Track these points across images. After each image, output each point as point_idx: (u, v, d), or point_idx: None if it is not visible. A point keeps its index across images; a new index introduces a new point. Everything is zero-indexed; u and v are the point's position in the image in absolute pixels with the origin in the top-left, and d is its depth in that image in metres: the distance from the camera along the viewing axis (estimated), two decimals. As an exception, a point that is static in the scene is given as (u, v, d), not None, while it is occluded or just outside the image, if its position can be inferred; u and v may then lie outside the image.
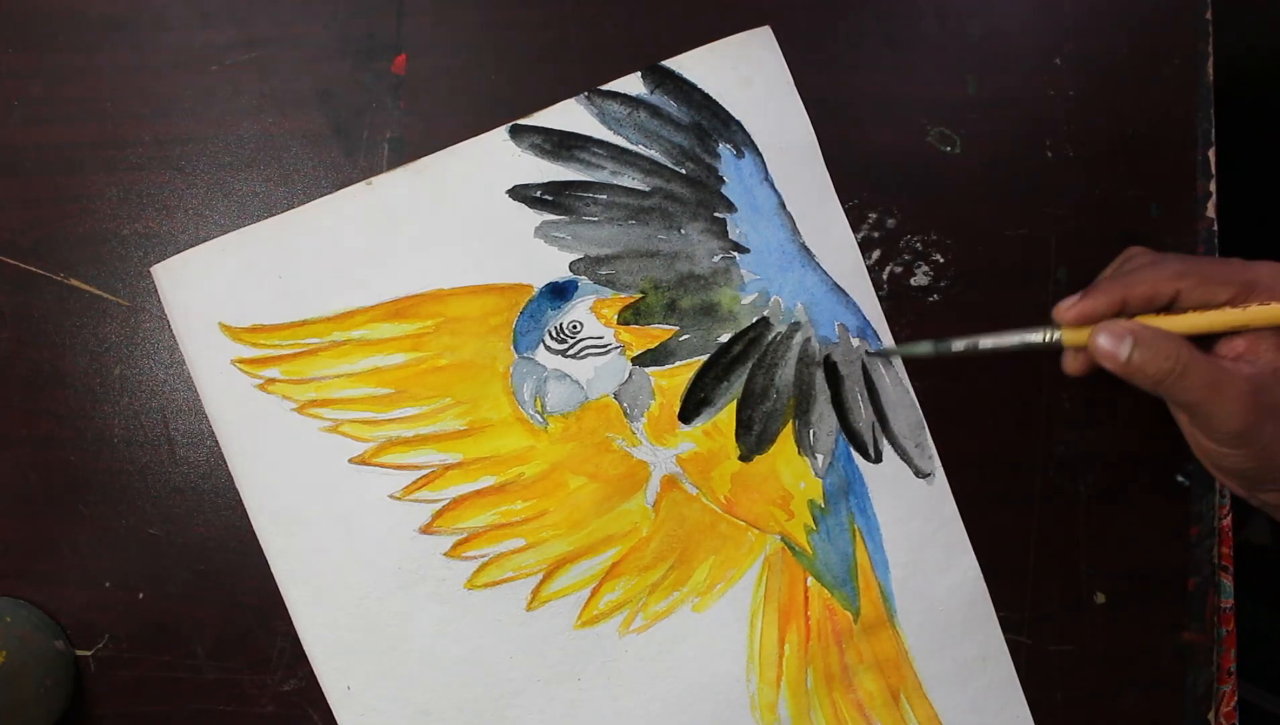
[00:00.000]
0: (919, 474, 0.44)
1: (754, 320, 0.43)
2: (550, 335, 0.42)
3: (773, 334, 0.43)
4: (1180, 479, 0.45)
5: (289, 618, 0.42)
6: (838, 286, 0.44)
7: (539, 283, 0.42)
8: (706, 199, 0.43)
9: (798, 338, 0.43)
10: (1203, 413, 0.36)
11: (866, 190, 0.44)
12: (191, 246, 0.42)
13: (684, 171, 0.43)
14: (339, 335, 0.42)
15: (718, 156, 0.43)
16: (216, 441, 0.42)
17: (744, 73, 0.43)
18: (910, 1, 0.44)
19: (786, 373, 0.43)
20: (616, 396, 0.43)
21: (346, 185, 0.42)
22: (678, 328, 0.43)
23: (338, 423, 0.42)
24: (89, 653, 0.42)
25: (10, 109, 0.42)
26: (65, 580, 0.42)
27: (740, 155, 0.43)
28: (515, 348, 0.42)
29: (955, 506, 0.44)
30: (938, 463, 0.44)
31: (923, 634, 0.44)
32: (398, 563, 0.42)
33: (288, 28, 0.43)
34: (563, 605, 0.43)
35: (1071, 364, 0.40)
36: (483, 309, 0.42)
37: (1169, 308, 0.37)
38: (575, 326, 0.42)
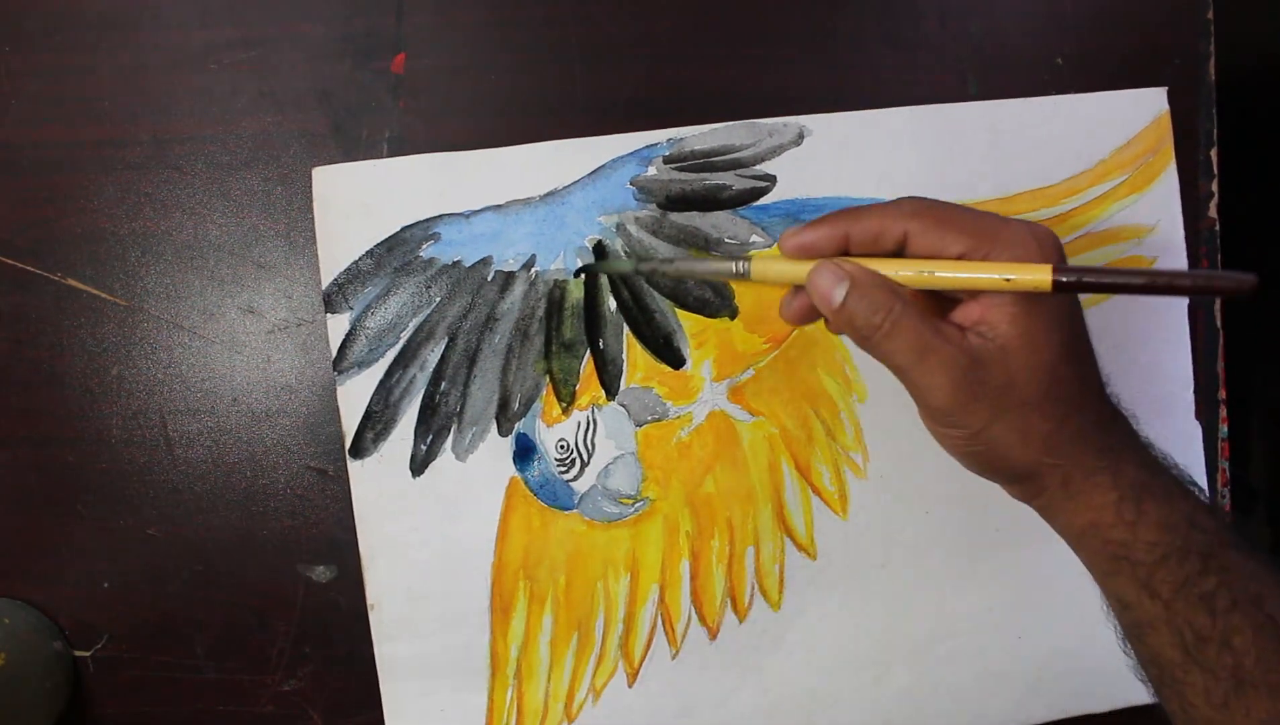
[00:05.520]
0: None
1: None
2: (562, 472, 0.42)
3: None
4: (1180, 480, 0.45)
5: (288, 618, 0.42)
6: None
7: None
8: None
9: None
10: (909, 381, 0.32)
11: (867, 190, 0.44)
12: (189, 246, 0.42)
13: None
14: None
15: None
16: (214, 441, 0.42)
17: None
18: (910, 1, 0.44)
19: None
20: (640, 423, 0.43)
21: (345, 185, 0.42)
22: (575, 357, 0.42)
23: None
24: (88, 654, 0.42)
25: (7, 107, 0.42)
26: (63, 581, 0.42)
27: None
28: (563, 507, 0.42)
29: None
30: None
31: None
32: None
33: (287, 26, 0.43)
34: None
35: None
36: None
37: (898, 252, 0.32)
38: (563, 445, 0.42)
